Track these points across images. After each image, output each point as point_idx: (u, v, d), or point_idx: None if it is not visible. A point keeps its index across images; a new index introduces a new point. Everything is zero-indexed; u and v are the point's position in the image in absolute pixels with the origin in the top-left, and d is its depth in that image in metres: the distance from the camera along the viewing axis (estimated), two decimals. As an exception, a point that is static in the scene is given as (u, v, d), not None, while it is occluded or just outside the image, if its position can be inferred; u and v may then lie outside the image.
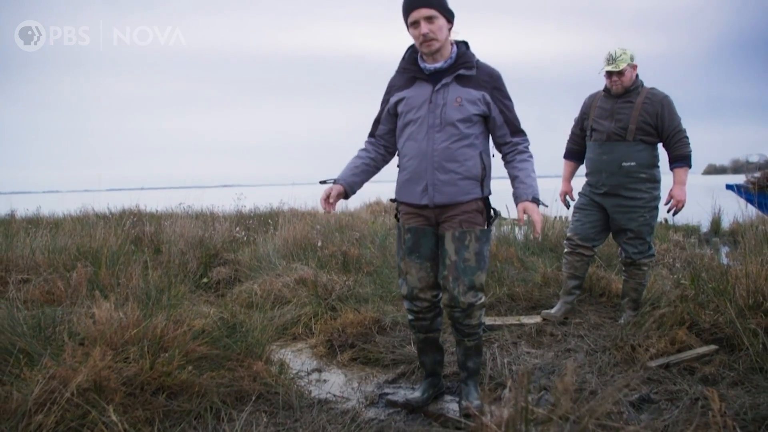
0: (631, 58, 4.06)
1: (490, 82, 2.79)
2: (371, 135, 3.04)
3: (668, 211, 4.20)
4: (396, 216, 2.99)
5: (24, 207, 11.98)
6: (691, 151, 4.11)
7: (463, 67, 2.75)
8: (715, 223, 10.16)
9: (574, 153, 4.56)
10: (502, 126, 2.82)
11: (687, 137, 4.10)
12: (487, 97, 2.77)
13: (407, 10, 2.69)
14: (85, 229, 7.40)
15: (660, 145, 4.20)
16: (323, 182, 2.90)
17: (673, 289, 4.11)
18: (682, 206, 4.16)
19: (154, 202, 12.24)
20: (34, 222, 9.74)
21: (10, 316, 3.15)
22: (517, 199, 2.79)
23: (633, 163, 4.10)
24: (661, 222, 9.71)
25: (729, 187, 12.53)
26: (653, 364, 3.28)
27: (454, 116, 2.73)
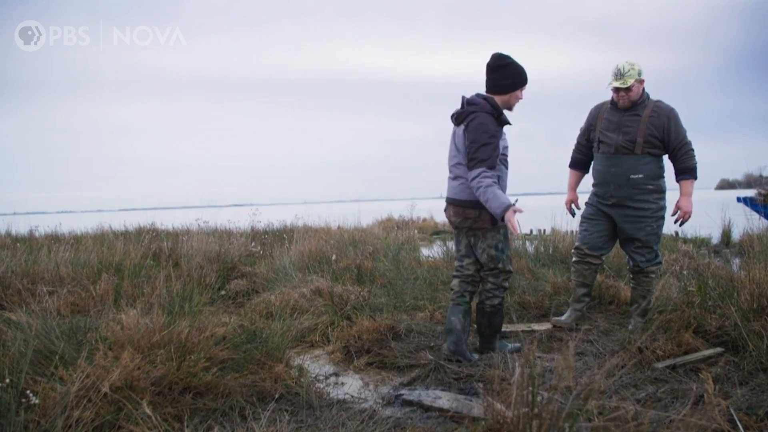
0: (639, 73, 4.10)
1: None
2: (493, 168, 3.65)
3: (675, 222, 4.28)
4: (496, 222, 3.75)
5: (44, 225, 12.23)
6: (696, 163, 4.19)
7: None
8: (726, 235, 10.20)
9: (580, 162, 4.64)
10: None
11: (693, 149, 4.19)
12: None
13: (524, 82, 3.79)
14: (106, 244, 7.61)
15: (665, 157, 4.29)
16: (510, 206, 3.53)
17: (680, 294, 4.19)
18: (689, 217, 4.24)
19: (168, 221, 12.47)
20: (55, 239, 9.97)
21: (44, 323, 3.31)
22: None
23: (641, 176, 4.18)
24: (671, 234, 9.80)
25: (740, 199, 12.59)
26: (660, 365, 3.39)
27: None
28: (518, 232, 3.44)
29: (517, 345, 4.03)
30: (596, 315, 4.80)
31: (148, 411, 2.41)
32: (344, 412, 2.95)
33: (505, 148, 3.86)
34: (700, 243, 9.45)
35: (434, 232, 15.10)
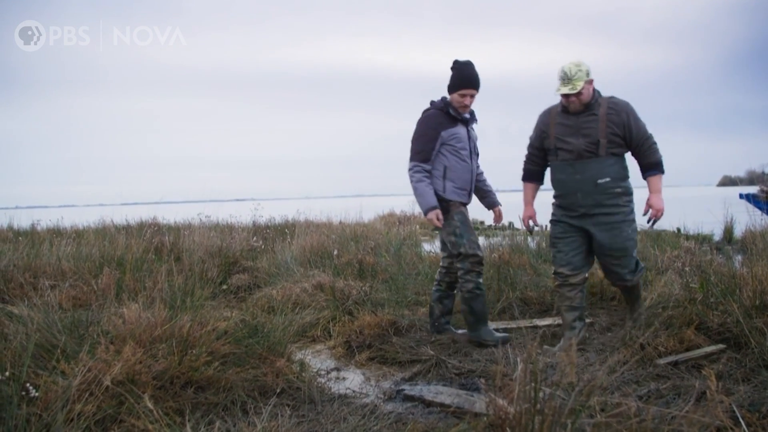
0: (587, 74, 3.76)
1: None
2: (427, 160, 4.10)
3: (648, 222, 3.99)
4: (448, 210, 4.13)
5: (46, 219, 12.24)
6: (662, 156, 3.92)
7: (475, 120, 4.31)
8: (728, 231, 10.18)
9: (534, 174, 4.22)
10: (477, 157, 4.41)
11: (656, 142, 3.91)
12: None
13: (464, 86, 4.07)
14: (107, 238, 7.62)
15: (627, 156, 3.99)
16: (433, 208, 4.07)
17: (683, 291, 4.18)
18: (661, 215, 3.94)
19: (170, 215, 12.47)
20: (57, 233, 9.98)
21: (46, 317, 3.32)
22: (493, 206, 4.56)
23: (608, 179, 3.84)
24: (673, 231, 9.79)
25: (742, 196, 12.57)
26: (662, 361, 3.38)
27: (478, 148, 4.34)
28: (438, 224, 4.05)
29: (506, 335, 4.14)
30: (598, 311, 4.80)
31: (149, 405, 2.41)
32: (345, 407, 2.95)
33: (455, 139, 4.11)
34: (702, 240, 9.44)
35: (435, 228, 15.09)
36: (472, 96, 4.13)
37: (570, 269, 3.95)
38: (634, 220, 3.97)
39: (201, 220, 10.87)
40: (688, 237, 9.24)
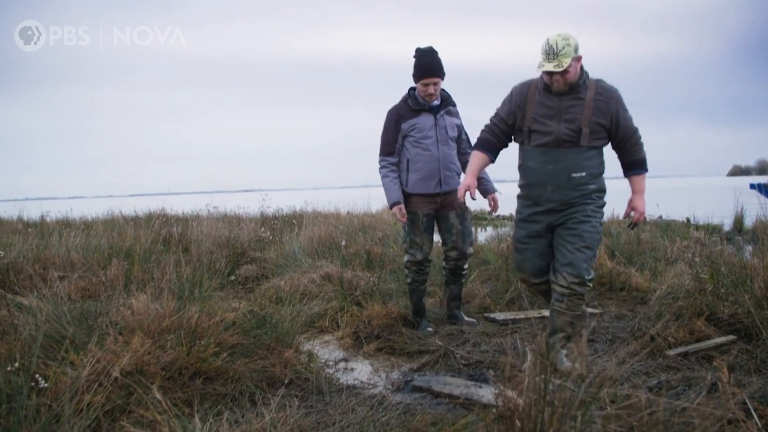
0: (576, 49, 3.19)
1: (457, 114, 4.36)
2: (391, 153, 4.24)
3: (629, 226, 3.59)
4: (407, 204, 4.22)
5: (55, 210, 12.30)
6: (646, 153, 3.49)
7: (449, 105, 4.31)
8: (738, 221, 10.11)
9: (490, 145, 3.59)
10: (463, 141, 4.41)
11: (641, 137, 3.46)
12: (460, 124, 4.38)
13: (423, 75, 4.10)
14: (116, 229, 7.64)
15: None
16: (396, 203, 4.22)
17: (693, 282, 4.15)
18: (644, 219, 3.55)
19: (178, 206, 12.51)
20: (66, 224, 10.03)
21: (55, 308, 3.33)
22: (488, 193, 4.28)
23: (583, 174, 3.34)
24: (682, 221, 9.73)
25: (753, 186, 12.49)
26: (672, 352, 3.37)
27: (451, 134, 4.29)
28: (401, 220, 4.19)
29: (430, 329, 4.22)
30: (607, 301, 4.77)
31: (158, 396, 2.41)
32: (354, 398, 2.95)
33: (415, 130, 4.19)
34: (712, 230, 9.38)
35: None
36: (435, 84, 4.13)
37: (532, 275, 3.54)
38: (602, 216, 3.49)
39: (209, 210, 10.91)
40: (697, 227, 9.19)
